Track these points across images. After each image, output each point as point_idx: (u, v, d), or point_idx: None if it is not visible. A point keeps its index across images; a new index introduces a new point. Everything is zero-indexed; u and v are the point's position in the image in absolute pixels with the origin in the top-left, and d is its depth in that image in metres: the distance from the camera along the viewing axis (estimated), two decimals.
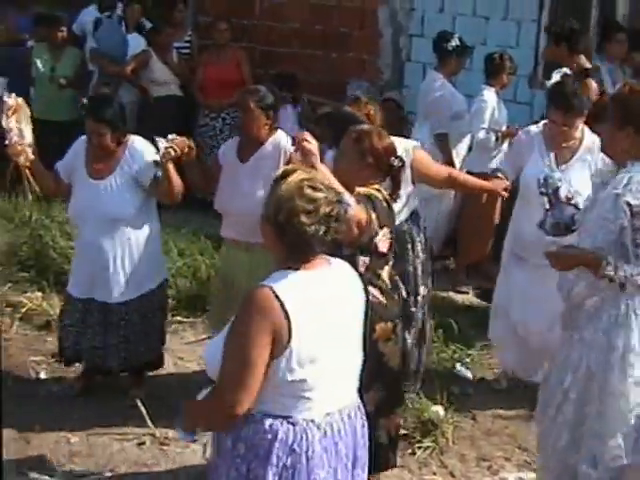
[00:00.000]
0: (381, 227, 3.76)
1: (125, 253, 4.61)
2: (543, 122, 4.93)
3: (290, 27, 8.22)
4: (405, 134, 6.92)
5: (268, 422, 2.66)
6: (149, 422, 4.50)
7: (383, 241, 3.80)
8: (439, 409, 4.70)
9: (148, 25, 8.35)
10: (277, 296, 2.59)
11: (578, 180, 4.61)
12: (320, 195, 2.67)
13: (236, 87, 7.67)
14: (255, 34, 8.34)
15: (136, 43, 8.03)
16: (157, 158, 4.48)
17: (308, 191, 2.67)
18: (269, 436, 2.66)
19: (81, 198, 4.63)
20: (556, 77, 5.73)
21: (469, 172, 5.83)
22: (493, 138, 6.32)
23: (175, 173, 4.49)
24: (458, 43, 6.57)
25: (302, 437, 2.67)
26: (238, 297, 4.32)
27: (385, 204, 3.83)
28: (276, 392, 2.65)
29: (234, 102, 7.43)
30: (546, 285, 4.71)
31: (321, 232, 2.66)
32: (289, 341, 2.58)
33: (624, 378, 3.40)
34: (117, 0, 8.32)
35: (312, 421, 2.69)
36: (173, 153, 4.38)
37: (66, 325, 4.80)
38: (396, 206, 4.16)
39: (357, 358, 2.85)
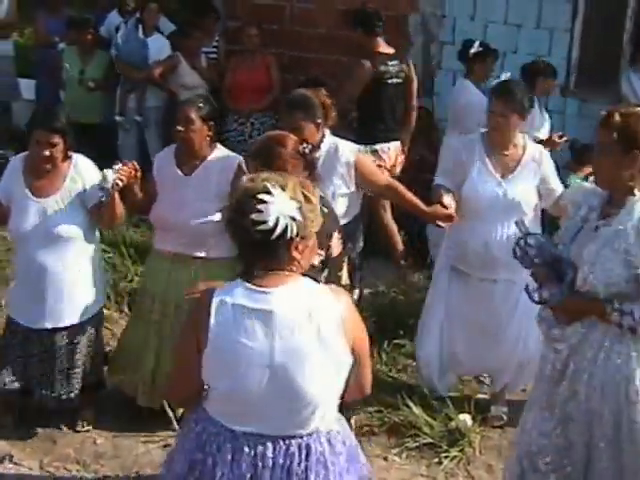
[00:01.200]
0: (330, 236, 3.64)
1: (69, 274, 4.38)
2: (484, 130, 4.63)
3: (319, 33, 8.19)
4: (435, 141, 6.95)
5: (197, 412, 2.73)
6: (175, 424, 4.47)
7: (335, 246, 3.69)
8: (467, 418, 4.66)
9: (168, 24, 8.33)
10: (211, 297, 2.60)
11: (523, 190, 4.48)
12: (246, 184, 2.62)
13: (265, 92, 7.71)
14: (284, 39, 8.31)
15: (158, 44, 7.98)
16: (102, 181, 4.32)
17: (243, 178, 2.72)
18: (192, 424, 2.73)
19: (24, 217, 4.34)
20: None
21: None
22: None
23: (119, 201, 4.37)
24: (479, 49, 6.56)
25: (214, 439, 2.65)
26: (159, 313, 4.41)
27: (326, 210, 3.58)
28: (207, 396, 2.68)
29: (259, 108, 7.56)
30: (489, 300, 4.61)
31: (231, 220, 2.61)
32: (207, 342, 2.58)
33: None
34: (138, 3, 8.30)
35: (231, 431, 2.64)
36: (121, 183, 4.29)
37: (7, 352, 4.52)
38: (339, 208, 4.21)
39: (317, 390, 2.59)
